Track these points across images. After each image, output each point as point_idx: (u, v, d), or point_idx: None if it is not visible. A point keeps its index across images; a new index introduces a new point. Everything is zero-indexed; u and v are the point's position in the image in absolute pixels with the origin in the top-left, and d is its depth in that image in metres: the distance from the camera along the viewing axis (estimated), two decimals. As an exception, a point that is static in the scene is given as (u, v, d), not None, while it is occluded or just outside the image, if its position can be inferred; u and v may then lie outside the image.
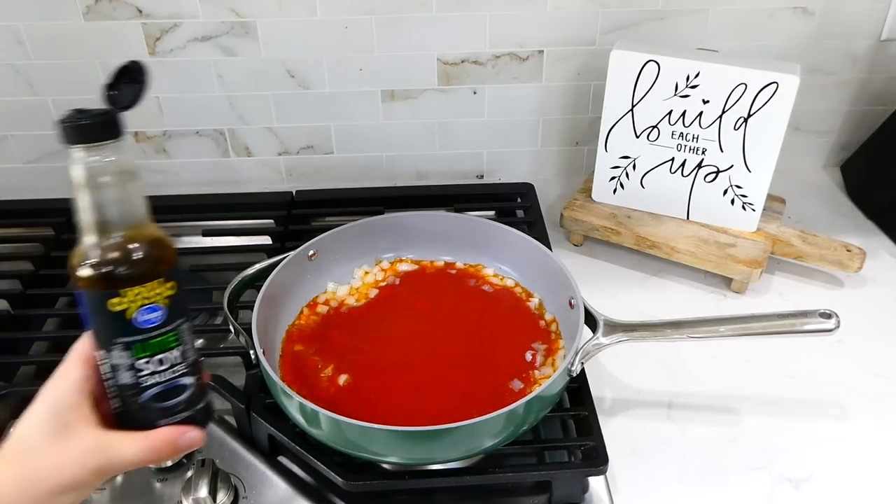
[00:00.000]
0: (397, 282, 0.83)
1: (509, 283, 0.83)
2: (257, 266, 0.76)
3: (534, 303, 0.80)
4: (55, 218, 0.98)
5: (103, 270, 0.43)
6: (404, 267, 0.85)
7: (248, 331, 0.69)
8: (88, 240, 0.45)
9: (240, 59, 0.99)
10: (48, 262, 0.92)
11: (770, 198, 0.95)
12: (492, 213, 1.02)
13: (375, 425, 0.60)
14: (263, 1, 0.94)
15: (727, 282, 0.93)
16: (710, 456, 0.74)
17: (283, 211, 0.99)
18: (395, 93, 1.04)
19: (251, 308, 0.71)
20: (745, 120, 0.87)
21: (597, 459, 0.67)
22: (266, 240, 0.96)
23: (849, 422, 0.77)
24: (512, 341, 0.75)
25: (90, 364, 0.47)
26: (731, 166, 0.91)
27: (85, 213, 0.46)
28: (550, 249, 0.81)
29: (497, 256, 0.84)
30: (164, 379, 0.47)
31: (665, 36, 0.99)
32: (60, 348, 0.85)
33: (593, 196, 1.00)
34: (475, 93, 1.04)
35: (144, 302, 0.45)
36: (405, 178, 1.12)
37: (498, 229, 0.83)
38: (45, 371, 0.82)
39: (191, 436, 0.48)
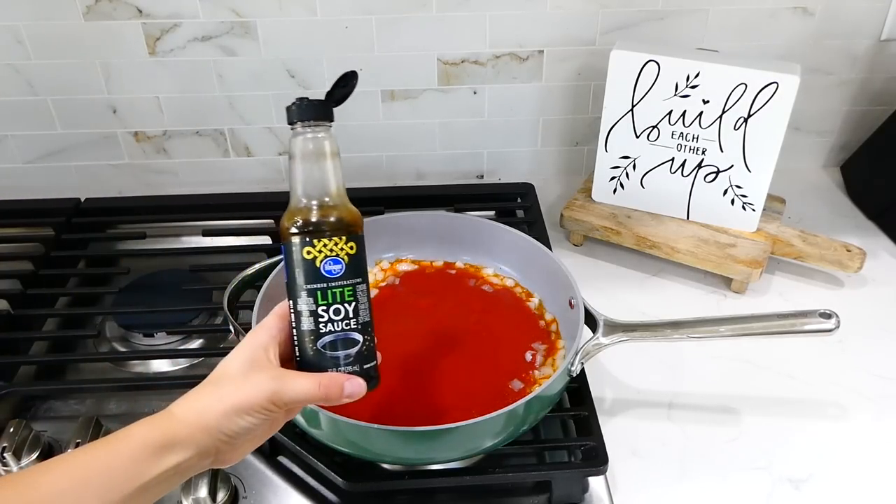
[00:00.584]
0: (397, 282, 0.83)
1: (509, 283, 0.83)
2: (257, 266, 0.77)
3: (534, 303, 0.80)
4: (55, 218, 0.98)
5: (302, 224, 0.53)
6: (404, 267, 0.85)
7: (248, 331, 0.68)
8: (297, 201, 0.54)
9: (240, 59, 0.99)
10: (48, 262, 0.92)
11: (770, 198, 0.95)
12: (492, 213, 1.02)
13: (375, 425, 0.60)
14: (263, 1, 0.94)
15: (727, 282, 0.93)
16: (710, 456, 0.74)
17: (283, 211, 0.99)
18: (395, 93, 1.04)
19: (251, 308, 0.71)
20: (745, 120, 0.87)
21: (597, 459, 0.67)
22: (266, 240, 0.96)
23: (849, 422, 0.77)
24: (512, 341, 0.75)
25: (284, 319, 0.55)
26: (731, 166, 0.91)
27: (297, 179, 0.55)
28: (550, 249, 0.81)
29: (497, 256, 0.84)
30: (338, 329, 0.54)
31: (665, 36, 0.99)
32: (60, 348, 0.86)
33: (593, 196, 1.00)
34: (475, 93, 1.04)
35: (329, 254, 0.53)
36: (405, 178, 1.12)
37: (498, 229, 0.83)
38: (45, 371, 0.83)
39: (356, 382, 0.54)
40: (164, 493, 0.49)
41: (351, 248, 0.54)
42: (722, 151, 0.90)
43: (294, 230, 0.54)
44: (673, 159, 0.93)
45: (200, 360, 0.83)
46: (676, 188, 0.95)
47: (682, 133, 0.91)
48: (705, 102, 0.88)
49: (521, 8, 0.97)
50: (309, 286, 0.53)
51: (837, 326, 0.68)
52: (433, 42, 0.99)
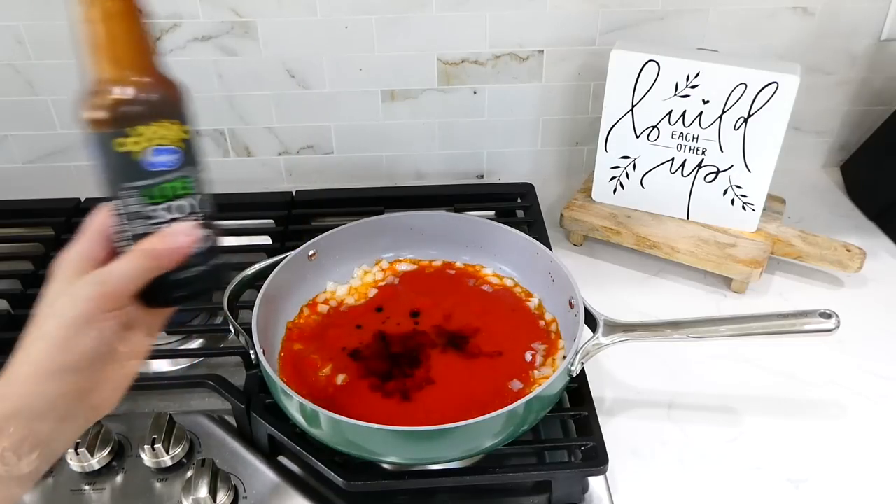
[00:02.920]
0: (396, 281, 0.83)
1: (508, 283, 0.83)
2: (257, 266, 0.76)
3: (533, 303, 0.80)
4: (55, 218, 0.98)
5: (106, 108, 0.42)
6: (403, 267, 0.85)
7: (248, 331, 0.69)
8: (93, 79, 0.43)
9: (240, 58, 0.99)
10: (48, 262, 0.91)
11: (770, 198, 0.95)
12: (492, 213, 1.02)
13: (375, 425, 0.60)
14: (263, 1, 0.94)
15: (727, 282, 0.93)
16: (710, 456, 0.74)
17: (283, 211, 0.99)
18: (395, 93, 1.04)
19: (251, 308, 0.71)
20: (745, 120, 0.87)
21: (597, 459, 0.67)
22: (266, 240, 0.96)
23: (848, 422, 0.77)
24: (511, 341, 0.75)
25: (94, 233, 0.47)
26: (731, 166, 0.91)
27: (89, 48, 0.43)
28: (550, 249, 0.81)
29: (497, 256, 0.84)
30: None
31: (665, 36, 0.99)
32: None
33: (593, 196, 1.00)
34: (475, 93, 1.04)
35: (154, 143, 0.44)
36: (405, 178, 1.12)
37: (498, 229, 0.83)
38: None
39: (182, 230, 0.47)
40: (24, 481, 0.42)
41: (184, 131, 0.46)
42: (722, 151, 0.90)
43: (94, 117, 0.43)
44: (673, 159, 0.93)
45: (200, 360, 0.83)
46: (676, 188, 0.95)
47: (682, 133, 0.91)
48: (705, 102, 0.88)
49: (521, 8, 0.97)
50: (133, 184, 0.44)
51: (837, 326, 0.68)
52: (433, 42, 0.99)
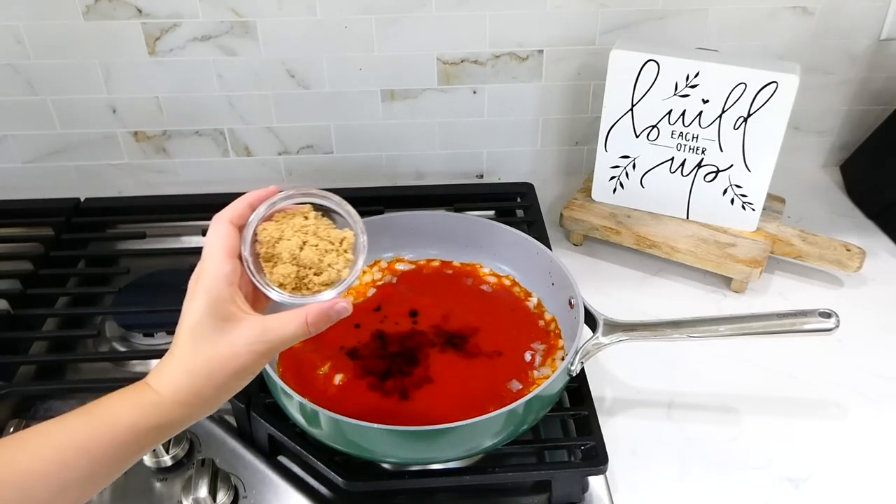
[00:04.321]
0: (395, 281, 0.83)
1: (507, 282, 0.83)
2: (257, 266, 0.76)
3: (532, 302, 0.80)
4: (55, 218, 0.98)
5: None
6: (402, 266, 0.85)
7: (248, 331, 0.68)
8: None
9: (240, 58, 0.99)
10: (48, 262, 0.92)
11: (770, 197, 0.95)
12: (491, 212, 1.02)
13: (375, 425, 0.60)
14: (263, 1, 0.94)
15: (727, 281, 0.93)
16: (710, 456, 0.74)
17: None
18: (395, 93, 1.04)
19: (251, 308, 0.71)
20: (745, 119, 0.87)
21: (597, 459, 0.67)
22: (266, 240, 0.96)
23: (849, 421, 0.77)
24: (511, 341, 0.75)
25: (235, 257, 0.52)
26: (731, 166, 0.91)
27: None
28: (550, 249, 0.81)
29: (496, 256, 0.84)
30: None
31: (665, 36, 0.99)
32: (60, 348, 0.86)
33: (593, 196, 1.00)
34: (475, 93, 1.04)
35: None
36: (405, 178, 1.12)
37: (497, 229, 0.83)
38: (45, 371, 0.83)
39: (341, 306, 0.53)
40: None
41: None
42: (722, 151, 0.90)
43: None
44: (673, 159, 0.93)
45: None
46: (676, 188, 0.95)
47: (681, 133, 0.91)
48: (705, 102, 0.88)
49: (520, 7, 0.97)
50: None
51: (837, 326, 0.68)
52: (433, 42, 0.99)
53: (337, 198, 0.56)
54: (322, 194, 0.56)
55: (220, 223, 0.53)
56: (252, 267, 0.53)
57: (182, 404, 0.49)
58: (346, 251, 0.56)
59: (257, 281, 0.53)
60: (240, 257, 0.53)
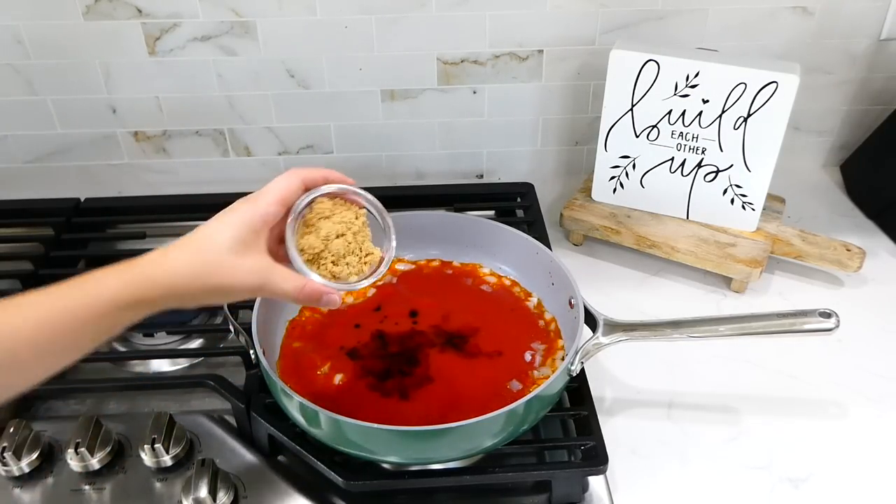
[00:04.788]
0: (394, 281, 0.83)
1: (507, 282, 0.83)
2: (257, 266, 0.76)
3: (532, 302, 0.80)
4: (55, 218, 0.98)
5: None
6: (402, 266, 0.85)
7: (248, 330, 0.69)
8: None
9: (240, 58, 0.99)
10: (48, 262, 0.92)
11: (770, 197, 0.95)
12: (491, 212, 1.02)
13: (375, 425, 0.60)
14: (263, 1, 0.94)
15: (727, 281, 0.93)
16: (710, 456, 0.74)
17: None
18: (395, 93, 1.04)
19: (251, 308, 0.71)
20: (745, 119, 0.87)
21: (597, 459, 0.67)
22: (266, 240, 0.96)
23: (849, 421, 0.77)
24: (511, 341, 0.75)
25: (284, 207, 0.57)
26: (731, 166, 0.91)
27: None
28: (550, 249, 0.81)
29: (496, 256, 0.84)
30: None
31: (665, 36, 0.99)
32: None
33: (593, 196, 1.00)
34: (475, 93, 1.04)
35: None
36: (405, 178, 1.12)
37: (497, 229, 0.83)
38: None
39: (331, 298, 0.58)
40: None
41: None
42: (722, 151, 0.90)
43: None
44: (673, 159, 0.93)
45: (200, 359, 0.83)
46: (676, 188, 0.95)
47: (681, 133, 0.91)
48: (705, 102, 0.88)
49: (520, 7, 0.97)
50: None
51: (837, 326, 0.68)
52: (433, 42, 0.99)
53: (391, 222, 0.65)
54: (382, 211, 0.65)
55: (294, 176, 0.58)
56: (292, 222, 0.59)
57: (164, 288, 0.52)
58: (365, 264, 0.63)
59: (290, 233, 0.59)
60: (287, 211, 0.58)
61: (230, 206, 0.56)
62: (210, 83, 1.01)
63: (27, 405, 0.78)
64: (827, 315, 0.68)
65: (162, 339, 0.85)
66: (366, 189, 1.04)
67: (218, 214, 0.56)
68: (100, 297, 0.50)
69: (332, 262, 0.61)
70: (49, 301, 0.50)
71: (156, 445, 0.68)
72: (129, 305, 0.51)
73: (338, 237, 0.61)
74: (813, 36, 1.01)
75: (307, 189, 0.60)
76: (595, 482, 0.70)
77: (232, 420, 0.74)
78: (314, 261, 0.60)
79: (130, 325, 0.52)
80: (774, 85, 0.84)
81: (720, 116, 0.88)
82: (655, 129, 0.92)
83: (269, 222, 0.56)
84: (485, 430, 0.63)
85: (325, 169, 0.61)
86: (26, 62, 0.97)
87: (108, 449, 0.70)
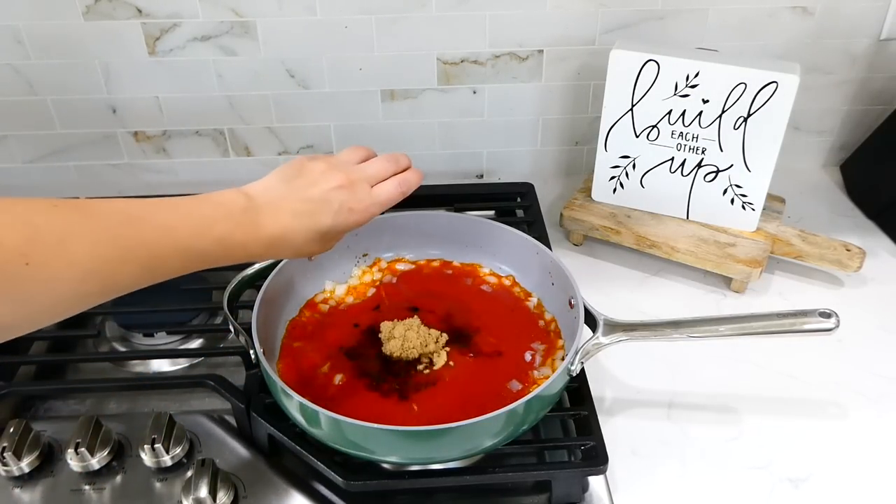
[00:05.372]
0: (394, 280, 0.83)
1: (507, 282, 0.83)
2: (257, 266, 0.77)
3: (532, 302, 0.80)
4: (55, 218, 0.98)
5: None
6: (402, 266, 0.85)
7: (248, 330, 0.69)
8: None
9: (240, 58, 0.99)
10: (48, 262, 0.92)
11: (770, 197, 0.95)
12: (491, 212, 1.02)
13: (375, 425, 0.60)
14: (263, 1, 0.94)
15: (727, 281, 0.93)
16: (710, 456, 0.74)
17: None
18: (395, 93, 1.04)
19: (251, 308, 0.71)
20: (745, 119, 0.87)
21: (597, 459, 0.67)
22: (266, 240, 0.96)
23: (848, 421, 0.77)
24: (511, 341, 0.75)
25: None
26: (731, 166, 0.91)
27: None
28: (550, 249, 0.81)
29: (496, 256, 0.84)
30: None
31: (665, 35, 0.99)
32: (60, 348, 0.86)
33: (593, 196, 1.00)
34: (475, 93, 1.04)
35: None
36: (405, 178, 1.12)
37: (497, 228, 0.83)
38: (44, 371, 0.83)
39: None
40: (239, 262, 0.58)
41: None
42: (722, 151, 0.90)
43: None
44: (673, 159, 0.93)
45: (200, 360, 0.83)
46: (676, 188, 0.95)
47: (681, 133, 0.91)
48: (705, 102, 0.88)
49: (520, 7, 0.97)
50: None
51: (837, 326, 0.68)
52: (433, 42, 0.99)
53: None
54: None
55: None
56: None
57: (268, 242, 0.57)
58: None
59: None
60: None
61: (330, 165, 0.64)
62: (210, 83, 1.01)
63: (27, 405, 0.78)
64: (827, 315, 0.68)
65: (162, 339, 0.85)
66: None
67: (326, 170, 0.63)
68: (211, 232, 0.55)
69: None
70: (183, 206, 0.55)
71: (156, 445, 0.68)
72: (233, 247, 0.56)
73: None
74: (813, 36, 1.01)
75: None
76: (595, 482, 0.70)
77: (232, 420, 0.74)
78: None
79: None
80: (774, 85, 0.84)
81: (720, 116, 0.88)
82: (655, 129, 0.92)
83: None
84: (485, 430, 0.63)
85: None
86: (26, 62, 0.97)
87: (108, 449, 0.70)
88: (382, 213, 0.88)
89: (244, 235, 0.57)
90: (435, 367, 0.72)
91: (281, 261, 0.77)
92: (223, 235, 0.55)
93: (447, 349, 0.74)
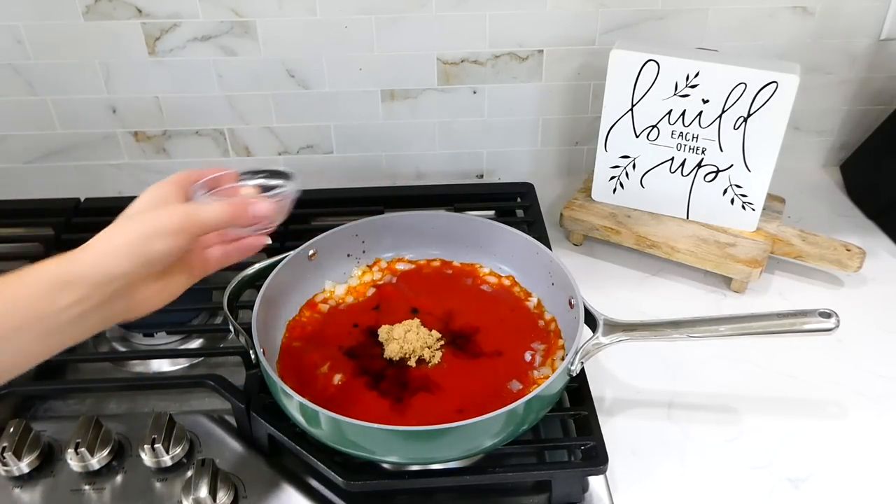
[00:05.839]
0: (394, 280, 0.83)
1: (507, 282, 0.83)
2: (257, 266, 0.76)
3: (532, 302, 0.80)
4: (55, 218, 0.98)
5: None
6: (402, 266, 0.85)
7: (248, 330, 0.69)
8: None
9: (240, 58, 0.99)
10: (48, 262, 0.92)
11: (770, 197, 0.95)
12: (491, 212, 1.02)
13: (375, 425, 0.60)
14: (263, 1, 0.94)
15: (727, 281, 0.93)
16: (710, 456, 0.74)
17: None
18: (395, 93, 1.04)
19: (251, 308, 0.71)
20: (745, 119, 0.87)
21: (597, 459, 0.67)
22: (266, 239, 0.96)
23: (848, 421, 0.77)
24: (511, 341, 0.75)
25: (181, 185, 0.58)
26: (731, 166, 0.91)
27: None
28: (550, 249, 0.81)
29: (496, 256, 0.84)
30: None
31: (665, 35, 0.99)
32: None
33: (593, 196, 1.00)
34: (475, 93, 1.04)
35: None
36: (405, 178, 1.12)
37: (497, 228, 0.83)
38: (44, 371, 0.83)
39: (262, 206, 0.58)
40: (72, 336, 0.52)
41: None
42: (722, 151, 0.90)
43: None
44: (672, 159, 0.93)
45: (200, 360, 0.83)
46: (676, 188, 0.95)
47: (681, 133, 0.91)
48: (705, 102, 0.88)
49: (521, 7, 0.97)
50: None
51: (837, 326, 0.68)
52: (433, 42, 0.99)
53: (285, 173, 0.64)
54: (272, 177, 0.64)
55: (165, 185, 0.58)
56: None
57: (88, 263, 0.51)
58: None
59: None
60: None
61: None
62: (210, 83, 1.01)
63: (27, 405, 0.78)
64: (827, 315, 0.68)
65: (162, 339, 0.85)
66: (365, 189, 1.04)
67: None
68: (36, 275, 0.50)
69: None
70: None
71: (156, 445, 0.68)
72: (60, 283, 0.50)
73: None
74: (813, 36, 1.01)
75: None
76: (595, 482, 0.70)
77: (232, 420, 0.74)
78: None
79: (71, 319, 0.51)
80: (774, 85, 0.84)
81: (720, 116, 0.88)
82: (655, 129, 0.92)
83: (181, 187, 0.57)
84: (485, 430, 0.63)
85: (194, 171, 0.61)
86: (26, 62, 0.97)
87: (108, 449, 0.70)
88: (382, 213, 0.89)
89: None
90: (434, 367, 0.72)
91: (281, 260, 0.77)
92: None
93: (441, 351, 0.74)
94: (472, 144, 1.10)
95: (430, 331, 0.75)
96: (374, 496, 0.69)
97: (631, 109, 0.91)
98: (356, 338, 0.76)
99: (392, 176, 1.12)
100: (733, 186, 0.92)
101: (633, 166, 0.95)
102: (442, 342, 0.75)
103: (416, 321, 0.76)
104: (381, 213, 0.90)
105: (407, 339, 0.73)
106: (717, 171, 0.92)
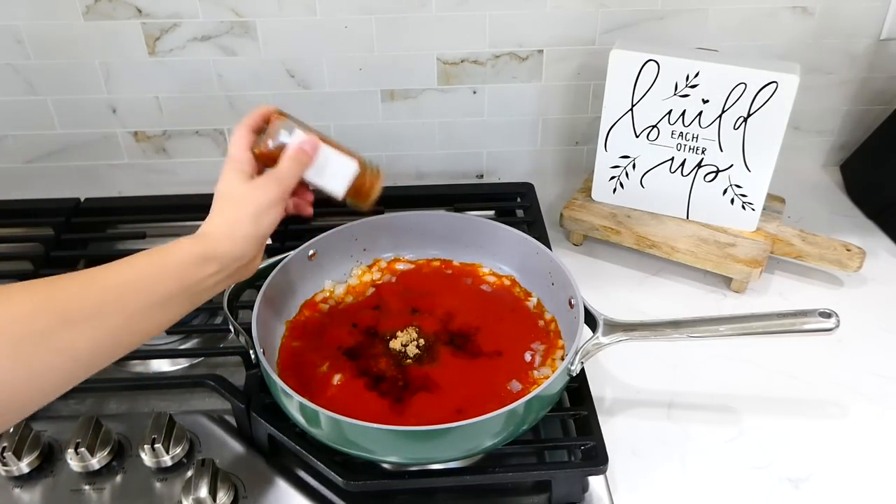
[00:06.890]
0: (394, 280, 0.83)
1: (507, 282, 0.83)
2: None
3: (532, 302, 0.80)
4: (55, 218, 0.98)
5: None
6: (402, 266, 0.85)
7: (248, 330, 0.69)
8: None
9: (240, 58, 0.99)
10: (48, 262, 0.92)
11: (770, 197, 0.95)
12: (491, 212, 1.02)
13: (375, 425, 0.60)
14: (263, 1, 0.94)
15: (727, 281, 0.93)
16: (710, 456, 0.74)
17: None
18: (395, 92, 1.04)
19: (251, 308, 0.71)
20: (745, 119, 0.87)
21: (597, 459, 0.67)
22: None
23: (848, 421, 0.77)
24: (511, 341, 0.75)
25: (249, 130, 0.69)
26: (731, 166, 0.91)
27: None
28: (550, 249, 0.81)
29: (496, 256, 0.84)
30: None
31: (665, 35, 0.99)
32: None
33: (593, 196, 1.00)
34: (475, 92, 1.04)
35: None
36: (405, 178, 1.12)
37: (497, 228, 0.83)
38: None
39: (310, 141, 0.70)
40: (202, 301, 0.61)
41: None
42: (721, 151, 0.90)
43: None
44: (672, 159, 0.93)
45: (200, 359, 0.83)
46: (676, 188, 0.95)
47: (681, 132, 0.91)
48: (705, 102, 0.88)
49: (520, 8, 0.97)
50: None
51: (837, 326, 0.68)
52: (433, 42, 0.99)
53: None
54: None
55: (240, 129, 0.70)
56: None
57: (222, 238, 0.61)
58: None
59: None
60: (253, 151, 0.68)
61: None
62: (210, 83, 1.01)
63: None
64: (827, 315, 0.68)
65: (162, 339, 0.85)
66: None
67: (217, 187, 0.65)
68: (178, 252, 0.59)
69: None
70: (137, 260, 0.57)
71: (156, 445, 0.68)
72: (202, 257, 0.59)
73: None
74: (813, 36, 1.01)
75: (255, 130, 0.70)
76: (595, 482, 0.70)
77: (232, 420, 0.74)
78: None
79: (209, 287, 0.60)
80: (774, 85, 0.84)
81: (720, 116, 0.88)
82: (655, 129, 0.92)
83: (248, 146, 0.67)
84: (485, 430, 0.63)
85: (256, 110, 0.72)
86: (26, 62, 0.97)
87: (108, 449, 0.70)
88: (382, 214, 0.88)
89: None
90: (434, 367, 0.72)
91: (281, 260, 0.77)
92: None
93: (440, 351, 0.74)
94: (471, 144, 1.10)
95: (431, 335, 0.75)
96: (373, 496, 0.69)
97: (631, 109, 0.91)
98: (356, 338, 0.76)
99: (392, 176, 1.11)
100: (733, 186, 0.92)
101: (633, 166, 0.95)
102: (445, 341, 0.75)
103: (416, 328, 0.76)
104: (381, 213, 0.89)
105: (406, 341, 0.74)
106: (717, 171, 0.92)
